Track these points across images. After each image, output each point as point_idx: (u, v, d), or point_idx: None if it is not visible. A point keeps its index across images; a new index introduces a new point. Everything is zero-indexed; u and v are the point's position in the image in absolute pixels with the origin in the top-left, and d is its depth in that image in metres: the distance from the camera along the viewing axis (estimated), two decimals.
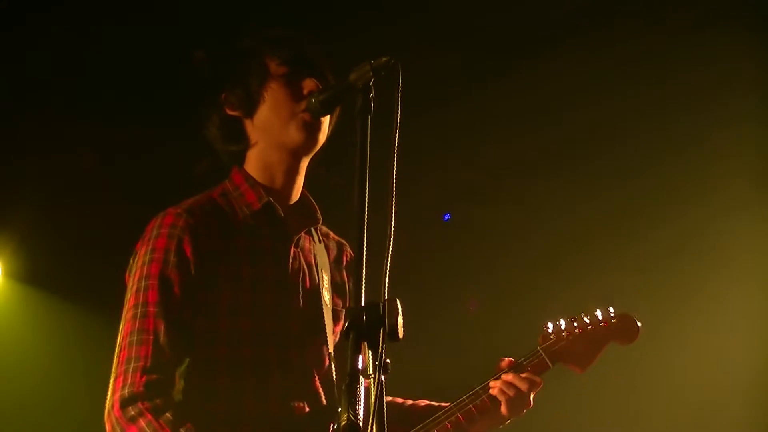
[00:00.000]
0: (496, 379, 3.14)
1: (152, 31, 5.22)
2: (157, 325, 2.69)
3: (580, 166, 5.91)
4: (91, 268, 5.66)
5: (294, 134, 2.89)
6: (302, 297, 2.93)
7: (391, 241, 2.10)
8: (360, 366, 2.01)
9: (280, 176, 2.98)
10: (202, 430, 2.62)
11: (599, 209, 5.91)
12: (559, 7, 5.44)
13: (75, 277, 5.86)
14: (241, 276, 2.83)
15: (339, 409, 1.97)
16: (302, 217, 3.03)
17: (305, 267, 2.98)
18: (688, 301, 5.74)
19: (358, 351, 2.02)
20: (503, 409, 3.11)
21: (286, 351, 2.85)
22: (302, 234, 3.01)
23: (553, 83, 5.58)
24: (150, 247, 2.79)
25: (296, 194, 3.03)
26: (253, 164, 2.99)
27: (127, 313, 2.76)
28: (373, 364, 2.01)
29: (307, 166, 3.03)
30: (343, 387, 1.99)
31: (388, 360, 2.02)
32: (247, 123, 2.96)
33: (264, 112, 2.92)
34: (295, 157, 2.96)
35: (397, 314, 2.05)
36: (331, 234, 3.21)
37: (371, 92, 2.32)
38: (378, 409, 1.99)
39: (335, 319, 3.03)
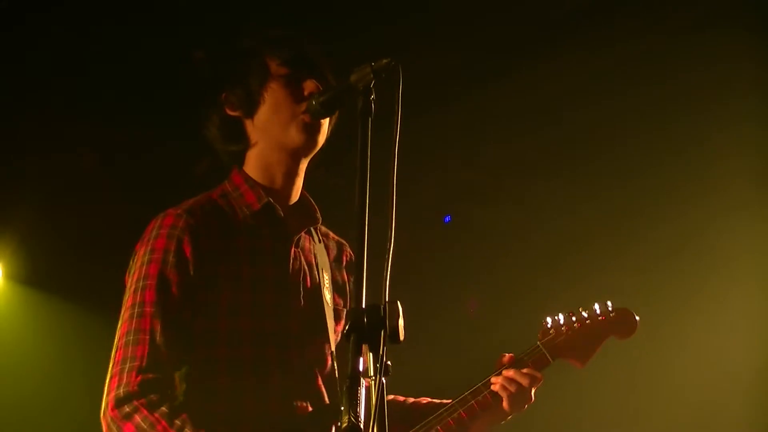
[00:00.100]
0: (497, 374, 3.14)
1: (152, 31, 5.22)
2: (153, 325, 2.69)
3: (580, 166, 5.91)
4: (91, 269, 5.66)
5: (294, 136, 2.89)
6: (303, 297, 2.94)
7: (392, 244, 2.11)
8: (361, 368, 2.01)
9: (279, 177, 2.98)
10: (203, 431, 2.62)
11: (599, 209, 5.91)
12: (559, 7, 5.44)
13: (75, 278, 5.86)
14: (241, 276, 2.83)
15: (342, 410, 1.98)
16: (302, 217, 3.04)
17: (306, 267, 2.98)
18: (687, 301, 5.74)
19: (359, 353, 2.03)
20: (505, 404, 3.11)
21: (287, 351, 2.85)
22: (302, 234, 3.01)
23: (553, 83, 5.59)
24: (149, 248, 2.79)
25: (296, 195, 3.04)
26: (252, 165, 2.99)
27: (124, 313, 2.76)
28: (373, 366, 2.02)
29: (307, 167, 3.03)
30: (344, 389, 1.99)
31: (389, 362, 2.02)
32: (248, 123, 2.96)
33: (264, 113, 2.92)
34: (295, 158, 2.96)
35: (398, 316, 2.06)
36: (331, 234, 3.21)
37: (372, 94, 2.33)
38: (379, 412, 1.99)
39: (336, 319, 3.04)
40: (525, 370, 3.14)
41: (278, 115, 2.90)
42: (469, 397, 3.14)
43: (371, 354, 2.04)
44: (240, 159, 3.01)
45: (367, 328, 2.04)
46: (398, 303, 2.07)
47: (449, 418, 3.11)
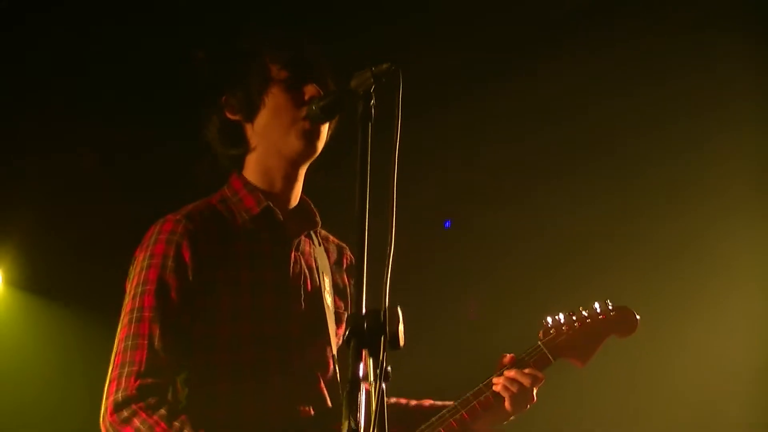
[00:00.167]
0: (499, 375, 3.14)
1: (152, 31, 5.23)
2: (152, 330, 2.69)
3: (579, 167, 5.90)
4: (90, 274, 5.65)
5: (294, 142, 2.89)
6: (304, 300, 2.93)
7: (392, 250, 2.11)
8: (361, 373, 2.01)
9: (278, 181, 2.97)
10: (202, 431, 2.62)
11: (599, 211, 5.90)
12: (559, 7, 5.44)
13: (75, 284, 5.85)
14: (240, 280, 2.82)
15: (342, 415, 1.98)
16: (301, 220, 3.03)
17: (306, 270, 2.98)
18: (688, 303, 5.73)
19: (359, 358, 2.03)
20: (507, 405, 3.10)
21: (287, 354, 2.85)
22: (302, 237, 3.01)
23: (552, 84, 5.58)
24: (148, 253, 2.79)
25: (295, 199, 3.03)
26: (252, 169, 2.98)
27: (123, 318, 2.76)
28: (373, 372, 2.02)
29: (306, 170, 3.02)
30: (344, 394, 1.99)
31: (389, 368, 2.02)
32: (248, 127, 2.96)
33: (264, 117, 2.91)
34: (294, 164, 2.96)
35: (398, 322, 2.06)
36: (331, 237, 3.21)
37: (372, 99, 2.32)
38: (379, 418, 1.99)
39: (338, 322, 3.04)
40: (526, 370, 3.13)
41: (278, 119, 2.89)
42: (471, 398, 3.13)
43: (371, 359, 2.04)
44: (239, 163, 3.00)
45: (367, 333, 2.04)
46: (398, 308, 2.07)
47: (451, 420, 3.11)
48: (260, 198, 2.93)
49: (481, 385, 3.16)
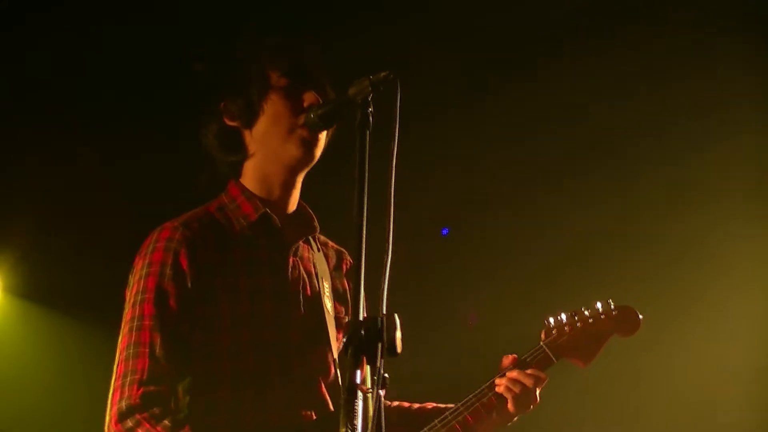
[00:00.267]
0: (501, 376, 3.13)
1: (152, 31, 5.22)
2: (153, 338, 2.70)
3: (579, 170, 5.89)
4: (90, 281, 5.63)
5: (292, 150, 2.89)
6: (303, 305, 2.93)
7: (389, 257, 2.11)
8: (359, 380, 2.01)
9: (276, 188, 2.98)
10: None
11: (599, 214, 5.88)
12: (559, 7, 5.43)
13: (74, 291, 5.83)
14: (239, 287, 2.83)
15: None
16: (299, 226, 3.03)
17: (305, 275, 2.98)
18: (688, 308, 5.72)
19: (356, 365, 2.03)
20: (510, 406, 3.10)
21: (288, 360, 2.85)
22: (300, 243, 3.01)
23: (552, 85, 5.57)
24: (147, 261, 2.79)
25: (293, 205, 3.03)
26: (249, 176, 2.99)
27: (124, 327, 2.76)
28: (371, 378, 2.02)
29: (304, 176, 3.02)
30: (341, 401, 1.99)
31: (386, 375, 2.03)
32: (246, 134, 2.96)
33: (263, 124, 2.92)
34: (292, 171, 2.96)
35: (396, 329, 2.06)
36: (330, 243, 3.21)
37: (370, 107, 2.33)
38: (376, 425, 2.00)
39: (338, 327, 3.04)
40: (529, 371, 3.13)
41: (277, 127, 2.89)
42: (474, 400, 3.13)
43: (369, 366, 2.04)
44: (237, 170, 3.01)
45: (365, 340, 2.04)
46: (396, 315, 2.07)
47: (455, 422, 3.10)
48: (258, 204, 2.93)
49: (483, 386, 3.16)
